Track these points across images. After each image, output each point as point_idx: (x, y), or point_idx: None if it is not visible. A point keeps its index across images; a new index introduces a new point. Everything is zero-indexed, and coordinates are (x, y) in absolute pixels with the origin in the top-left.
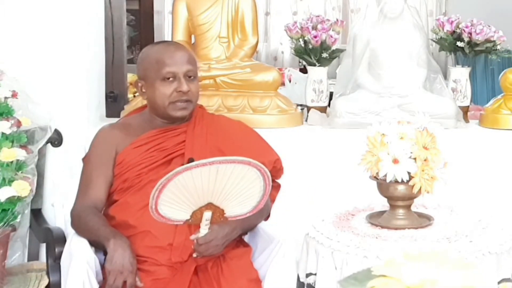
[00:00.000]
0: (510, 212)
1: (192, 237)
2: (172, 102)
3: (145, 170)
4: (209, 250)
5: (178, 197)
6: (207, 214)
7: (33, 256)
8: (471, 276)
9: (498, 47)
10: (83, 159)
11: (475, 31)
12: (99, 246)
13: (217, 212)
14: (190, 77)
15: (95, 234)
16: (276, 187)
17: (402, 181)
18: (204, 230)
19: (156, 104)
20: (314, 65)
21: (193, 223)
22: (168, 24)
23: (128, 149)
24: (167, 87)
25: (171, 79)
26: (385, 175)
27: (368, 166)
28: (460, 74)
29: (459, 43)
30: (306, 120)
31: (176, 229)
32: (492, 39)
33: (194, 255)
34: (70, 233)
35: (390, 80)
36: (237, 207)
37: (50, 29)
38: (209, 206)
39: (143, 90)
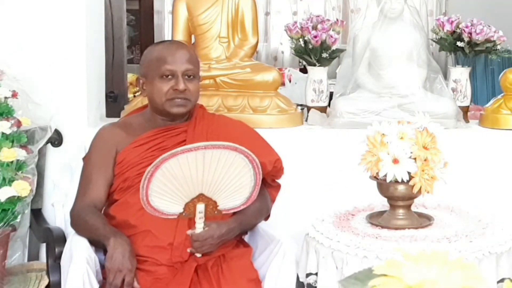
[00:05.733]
0: (510, 212)
1: (188, 232)
2: (169, 99)
3: (145, 170)
4: (203, 248)
5: (168, 187)
6: (200, 207)
7: (33, 256)
8: (471, 276)
9: (498, 47)
10: (84, 159)
11: (475, 31)
12: (99, 245)
13: (210, 205)
14: (189, 76)
15: (95, 233)
16: (276, 187)
17: (402, 181)
18: (199, 224)
19: (154, 101)
20: (314, 65)
21: (187, 217)
22: (168, 24)
23: (128, 148)
24: (165, 84)
25: (169, 76)
26: (385, 175)
27: (368, 166)
28: (460, 74)
29: (459, 43)
30: (306, 120)
31: (176, 229)
32: (492, 39)
33: (188, 250)
34: (70, 233)
35: (390, 80)
36: (229, 198)
37: (50, 29)
38: (201, 197)
39: (144, 88)
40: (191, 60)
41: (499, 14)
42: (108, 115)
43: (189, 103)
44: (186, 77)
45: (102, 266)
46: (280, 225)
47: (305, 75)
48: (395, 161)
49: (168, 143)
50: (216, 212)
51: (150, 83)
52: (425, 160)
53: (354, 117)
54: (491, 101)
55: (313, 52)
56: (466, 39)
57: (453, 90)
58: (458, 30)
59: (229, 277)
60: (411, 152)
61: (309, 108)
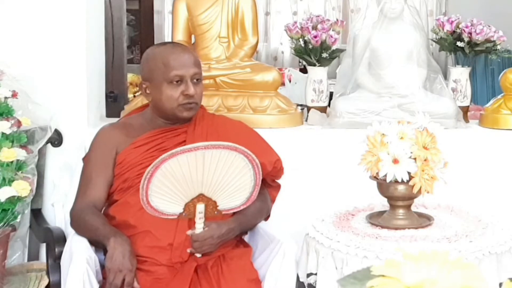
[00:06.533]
0: (510, 212)
1: (188, 232)
2: (180, 105)
3: (145, 170)
4: (203, 248)
5: (168, 187)
6: (200, 207)
7: (33, 256)
8: (471, 276)
9: (498, 47)
10: (84, 159)
11: (475, 31)
12: (99, 245)
13: (210, 205)
14: (196, 80)
15: (95, 233)
16: (276, 188)
17: (402, 181)
18: (199, 224)
19: (163, 106)
20: (314, 65)
21: (187, 217)
22: (168, 24)
23: (128, 149)
24: (174, 90)
25: (178, 82)
26: (385, 175)
27: (368, 166)
28: (460, 74)
29: (459, 43)
30: (306, 120)
31: (176, 229)
32: (492, 39)
33: (188, 250)
34: (70, 233)
35: (390, 80)
36: (229, 198)
37: (50, 29)
38: (201, 197)
39: (148, 92)
40: (196, 64)
41: (499, 14)
42: (108, 115)
43: (197, 106)
44: (195, 80)
45: (102, 266)
46: (280, 225)
47: (305, 75)
48: (395, 161)
49: (168, 143)
50: (216, 212)
51: (156, 88)
52: (425, 160)
53: (354, 117)
54: (491, 101)
55: (313, 52)
56: (466, 39)
57: (453, 90)
58: (458, 30)
59: (229, 277)
60: (411, 152)
61: (309, 108)
